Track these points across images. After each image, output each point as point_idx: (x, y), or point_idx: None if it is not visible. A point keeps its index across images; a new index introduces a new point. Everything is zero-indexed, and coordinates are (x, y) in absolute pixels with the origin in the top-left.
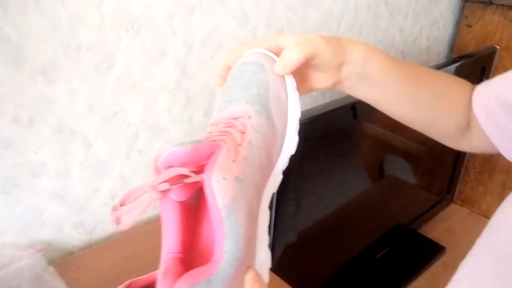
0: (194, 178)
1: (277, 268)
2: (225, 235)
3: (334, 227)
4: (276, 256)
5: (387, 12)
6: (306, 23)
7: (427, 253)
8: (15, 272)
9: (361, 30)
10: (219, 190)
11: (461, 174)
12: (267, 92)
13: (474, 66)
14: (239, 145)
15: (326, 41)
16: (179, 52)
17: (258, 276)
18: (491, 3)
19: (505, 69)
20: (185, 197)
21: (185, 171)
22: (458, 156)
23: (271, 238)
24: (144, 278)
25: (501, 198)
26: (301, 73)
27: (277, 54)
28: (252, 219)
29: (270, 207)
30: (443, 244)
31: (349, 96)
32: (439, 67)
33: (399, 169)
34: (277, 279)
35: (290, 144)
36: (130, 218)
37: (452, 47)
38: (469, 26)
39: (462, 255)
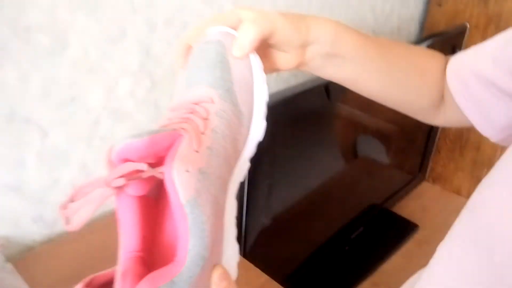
0: (152, 172)
1: (250, 255)
2: (189, 233)
3: (308, 209)
4: (249, 244)
5: None
6: (275, 3)
7: (401, 231)
8: None
9: (332, 8)
10: (181, 183)
11: (433, 152)
12: (231, 75)
13: (444, 45)
14: (202, 133)
15: (285, 18)
16: (141, 32)
17: (225, 274)
18: None
19: None
20: (144, 192)
21: (142, 166)
22: (430, 134)
23: (243, 225)
24: (106, 273)
25: (472, 175)
26: (263, 52)
27: None
28: (218, 213)
29: (241, 194)
30: (416, 221)
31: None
32: None
33: (372, 149)
34: (251, 266)
35: (257, 130)
36: (82, 217)
37: (422, 26)
38: (439, 5)
39: (434, 232)
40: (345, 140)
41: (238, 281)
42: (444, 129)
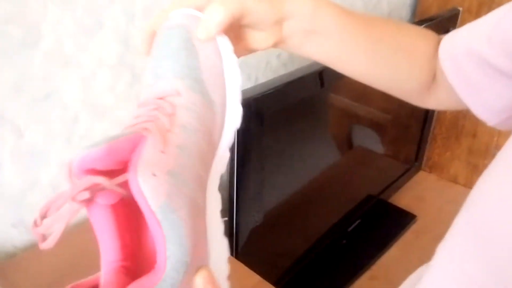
0: (112, 186)
1: (242, 254)
2: (165, 240)
3: (303, 203)
4: (240, 243)
5: None
6: None
7: (399, 222)
8: None
9: None
10: (149, 189)
11: (428, 140)
12: (198, 62)
13: (437, 29)
14: (169, 131)
15: None
16: (118, 22)
17: (209, 277)
18: None
19: None
20: (117, 199)
21: (100, 180)
22: (425, 123)
23: (234, 224)
24: (89, 280)
25: (468, 162)
26: (235, 32)
27: None
28: (199, 213)
29: (230, 191)
30: (413, 212)
31: (314, 65)
32: None
33: (367, 139)
34: (243, 266)
35: (233, 117)
36: (56, 233)
37: (414, 10)
38: None
39: (432, 222)
40: (339, 130)
41: (229, 281)
42: (439, 117)
